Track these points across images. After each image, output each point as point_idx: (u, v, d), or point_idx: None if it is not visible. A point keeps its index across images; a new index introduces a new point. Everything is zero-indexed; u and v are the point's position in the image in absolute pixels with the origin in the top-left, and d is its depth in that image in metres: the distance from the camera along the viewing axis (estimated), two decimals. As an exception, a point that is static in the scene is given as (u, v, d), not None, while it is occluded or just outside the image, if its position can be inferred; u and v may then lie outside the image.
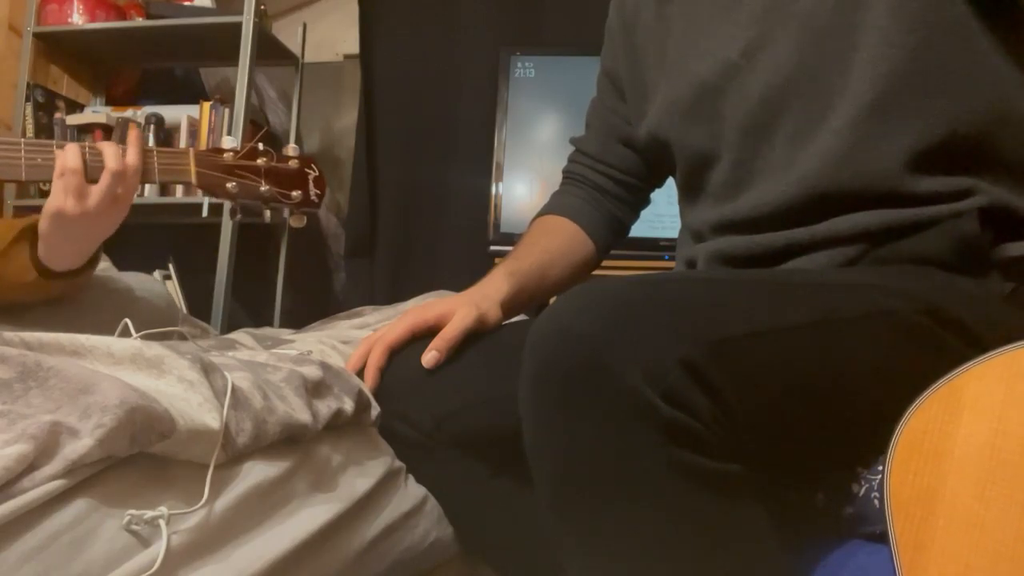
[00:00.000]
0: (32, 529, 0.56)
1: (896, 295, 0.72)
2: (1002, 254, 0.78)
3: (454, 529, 0.91)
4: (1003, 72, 0.78)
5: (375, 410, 0.87)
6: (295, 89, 2.43)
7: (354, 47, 2.47)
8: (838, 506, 0.71)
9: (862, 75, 0.79)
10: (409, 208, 2.38)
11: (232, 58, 2.14)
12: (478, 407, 0.85)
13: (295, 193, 1.08)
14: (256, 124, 2.36)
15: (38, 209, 1.00)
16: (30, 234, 0.99)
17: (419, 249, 2.37)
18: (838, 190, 0.80)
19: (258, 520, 0.70)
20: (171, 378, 0.70)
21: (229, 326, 1.97)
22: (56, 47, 2.32)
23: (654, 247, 1.99)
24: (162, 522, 0.62)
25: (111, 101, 2.46)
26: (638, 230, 1.96)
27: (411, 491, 0.88)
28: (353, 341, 1.13)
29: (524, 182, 2.15)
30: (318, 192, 1.10)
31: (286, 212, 1.10)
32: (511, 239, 1.08)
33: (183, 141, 2.23)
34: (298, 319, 1.89)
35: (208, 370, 0.72)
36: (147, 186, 2.14)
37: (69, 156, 0.94)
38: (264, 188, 1.06)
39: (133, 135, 0.99)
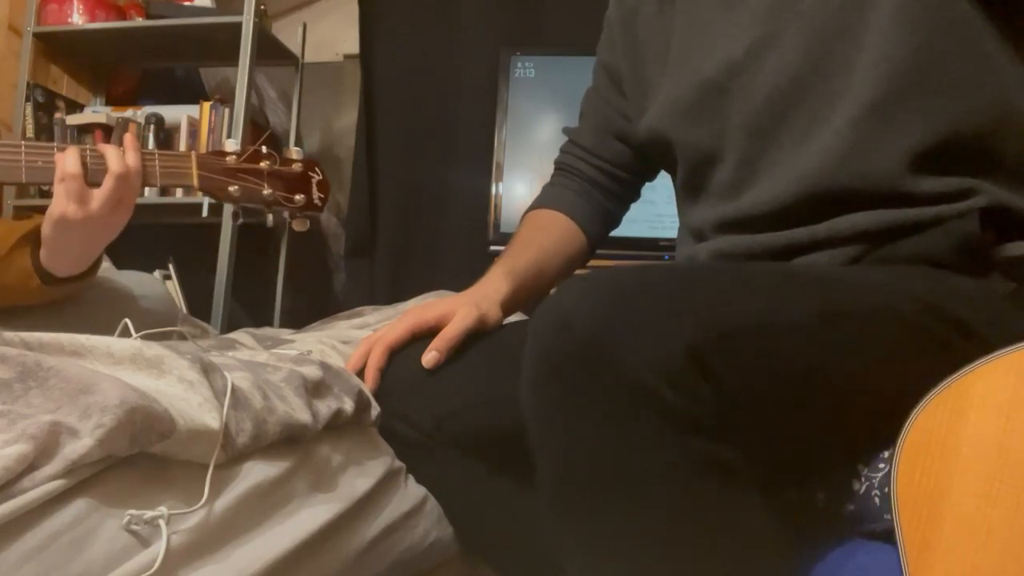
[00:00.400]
0: (32, 529, 0.56)
1: (898, 293, 0.72)
2: (1003, 254, 0.78)
3: (454, 529, 0.91)
4: (1006, 72, 0.78)
5: (375, 410, 0.87)
6: (295, 89, 2.43)
7: (354, 47, 2.47)
8: (839, 504, 0.71)
9: (865, 75, 0.79)
10: (409, 208, 2.38)
11: (232, 58, 2.14)
12: (478, 407, 0.85)
13: (298, 197, 1.08)
14: (256, 124, 2.36)
15: (38, 209, 1.00)
16: (31, 239, 0.98)
17: (419, 249, 2.37)
18: (839, 189, 0.80)
19: (258, 520, 0.70)
20: (171, 378, 0.70)
21: (229, 326, 1.97)
22: (56, 47, 2.32)
23: (654, 247, 1.99)
24: (162, 522, 0.62)
25: (111, 101, 2.46)
26: (638, 230, 1.98)
27: (411, 491, 0.88)
28: (353, 341, 1.13)
29: (524, 182, 2.15)
30: (321, 196, 1.10)
31: (288, 215, 1.10)
32: (510, 238, 1.08)
33: (183, 141, 2.22)
34: (298, 319, 1.89)
35: (208, 370, 0.72)
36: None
37: (69, 161, 0.93)
38: (267, 192, 1.06)
39: (129, 139, 0.99)
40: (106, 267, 1.19)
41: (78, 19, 2.26)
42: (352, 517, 0.79)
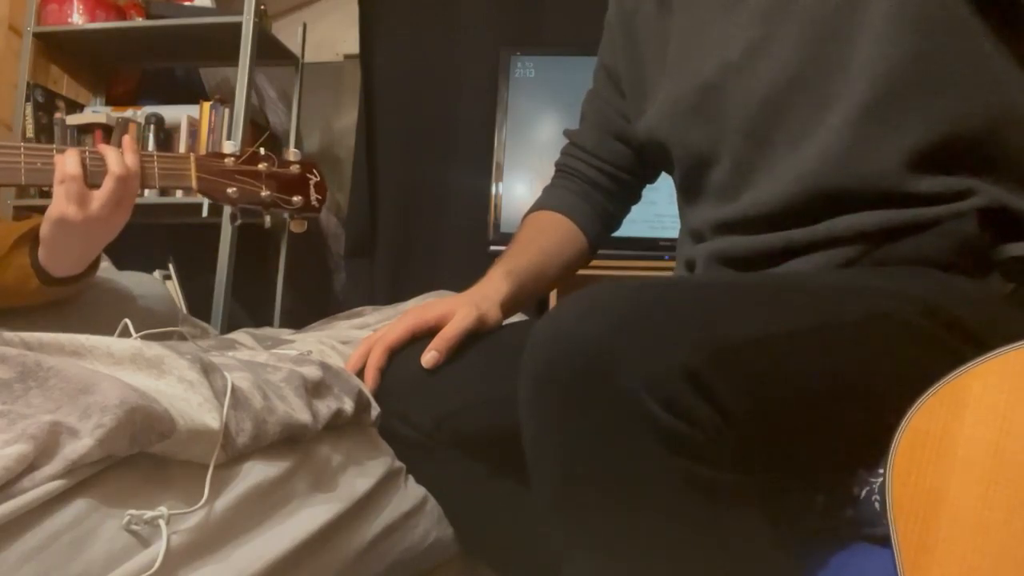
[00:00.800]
0: (32, 529, 0.56)
1: (895, 296, 0.72)
2: (1002, 254, 0.78)
3: (454, 529, 0.91)
4: (1003, 72, 0.78)
5: (375, 410, 0.87)
6: (295, 89, 2.43)
7: (354, 47, 2.47)
8: (838, 508, 0.71)
9: (862, 75, 0.79)
10: (409, 208, 2.38)
11: (232, 58, 2.14)
12: (478, 407, 0.85)
13: (296, 198, 1.08)
14: (256, 124, 2.36)
15: (38, 209, 1.00)
16: (30, 239, 0.99)
17: (419, 249, 2.37)
18: (837, 190, 0.80)
19: (258, 520, 0.70)
20: (171, 378, 0.70)
21: (229, 326, 1.97)
22: (56, 47, 2.32)
23: (654, 247, 1.99)
24: (162, 522, 0.62)
25: (111, 101, 2.46)
26: (638, 230, 1.98)
27: (411, 491, 0.88)
28: (353, 341, 1.13)
29: (524, 182, 2.15)
30: (319, 197, 1.10)
31: (286, 216, 1.10)
32: (511, 239, 1.08)
33: (183, 141, 2.22)
34: (298, 319, 1.89)
35: (208, 370, 0.72)
36: (147, 187, 2.13)
37: (68, 162, 0.94)
38: (265, 193, 1.06)
39: (128, 140, 0.99)
40: (106, 267, 1.19)
41: (78, 19, 2.26)
42: (352, 517, 0.79)
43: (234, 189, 1.05)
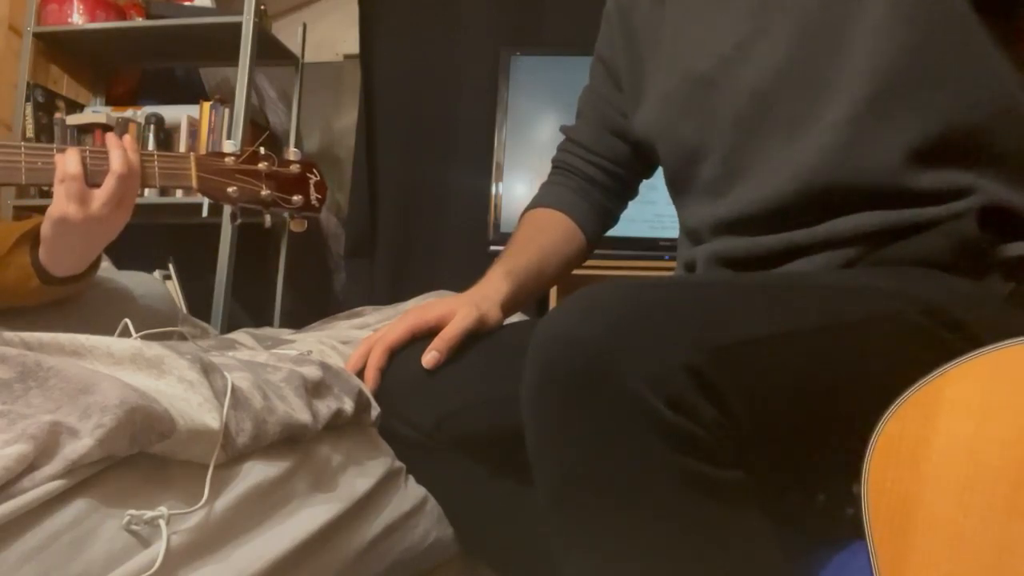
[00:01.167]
0: (32, 529, 0.56)
1: (896, 297, 0.72)
2: (1002, 254, 0.78)
3: (454, 529, 0.91)
4: (1002, 67, 0.78)
5: (375, 410, 0.87)
6: (295, 89, 2.43)
7: (354, 47, 2.47)
8: (839, 507, 0.71)
9: (859, 70, 0.79)
10: (409, 208, 2.38)
11: (232, 58, 2.14)
12: (478, 407, 0.85)
13: (296, 198, 1.08)
14: (256, 124, 2.36)
15: (38, 209, 1.00)
16: (31, 238, 0.99)
17: (419, 249, 2.37)
18: (836, 186, 0.80)
19: (258, 520, 0.70)
20: (171, 378, 0.70)
21: (229, 326, 1.97)
22: (56, 47, 2.32)
23: (654, 247, 1.99)
24: (162, 522, 0.62)
25: (111, 101, 2.46)
26: (638, 230, 1.98)
27: (411, 491, 0.88)
28: (353, 341, 1.13)
29: (524, 182, 2.15)
30: (319, 197, 1.10)
31: (286, 216, 1.10)
32: (509, 238, 1.08)
33: (183, 141, 2.23)
34: (298, 319, 1.89)
35: (208, 370, 0.72)
36: (147, 186, 2.13)
37: (69, 161, 0.94)
38: (265, 192, 1.06)
39: (128, 140, 0.99)
40: (106, 267, 1.19)
41: (78, 19, 2.26)
42: (352, 517, 0.79)
43: (234, 188, 1.05)
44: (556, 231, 1.07)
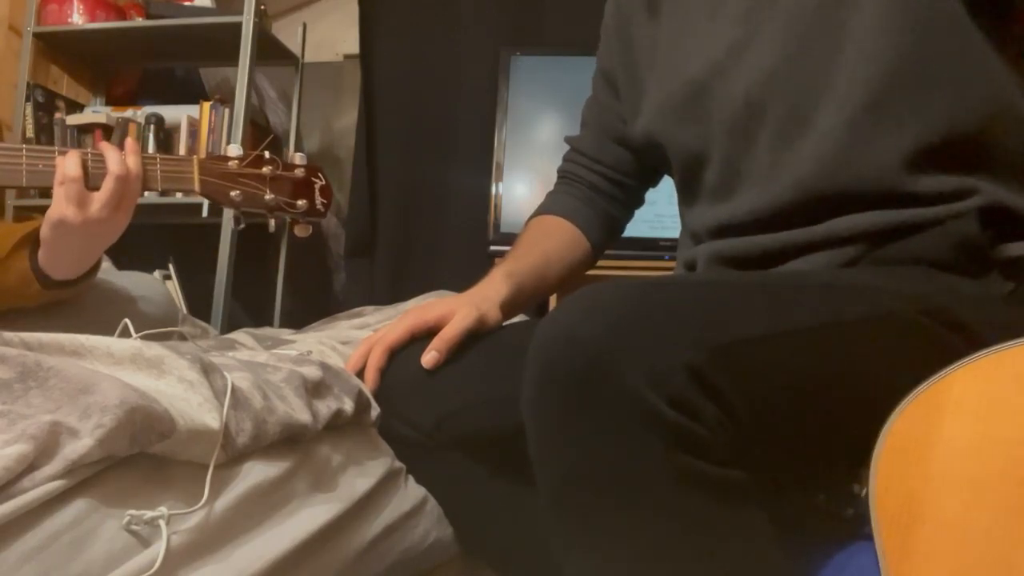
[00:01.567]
0: (32, 529, 0.56)
1: (896, 296, 0.72)
2: (1002, 254, 0.78)
3: (454, 529, 0.91)
4: (999, 69, 0.78)
5: (375, 410, 0.87)
6: (295, 89, 2.43)
7: (354, 47, 2.47)
8: (840, 507, 0.71)
9: (854, 74, 0.79)
10: (409, 208, 2.38)
11: (232, 58, 2.14)
12: (478, 407, 0.85)
13: (300, 202, 1.07)
14: (256, 124, 2.36)
15: (39, 210, 1.00)
16: (30, 241, 0.98)
17: (419, 249, 2.37)
18: (835, 191, 0.80)
19: (258, 520, 0.70)
20: (171, 378, 0.70)
21: (229, 326, 1.97)
22: (56, 47, 2.32)
23: (654, 247, 1.99)
24: (162, 522, 0.62)
25: (111, 101, 2.46)
26: (638, 230, 1.97)
27: (411, 491, 0.88)
28: (353, 341, 1.13)
29: (524, 182, 2.15)
30: (324, 201, 1.09)
31: (290, 220, 1.09)
32: (511, 239, 1.08)
33: (183, 141, 2.22)
34: (298, 319, 1.89)
35: (208, 370, 0.72)
36: (147, 187, 2.13)
37: (69, 164, 0.93)
38: (268, 197, 1.05)
39: (130, 142, 0.99)
40: (106, 267, 1.19)
41: (78, 19, 2.26)
42: (352, 517, 0.79)
43: (237, 192, 1.04)
44: (561, 237, 1.07)
